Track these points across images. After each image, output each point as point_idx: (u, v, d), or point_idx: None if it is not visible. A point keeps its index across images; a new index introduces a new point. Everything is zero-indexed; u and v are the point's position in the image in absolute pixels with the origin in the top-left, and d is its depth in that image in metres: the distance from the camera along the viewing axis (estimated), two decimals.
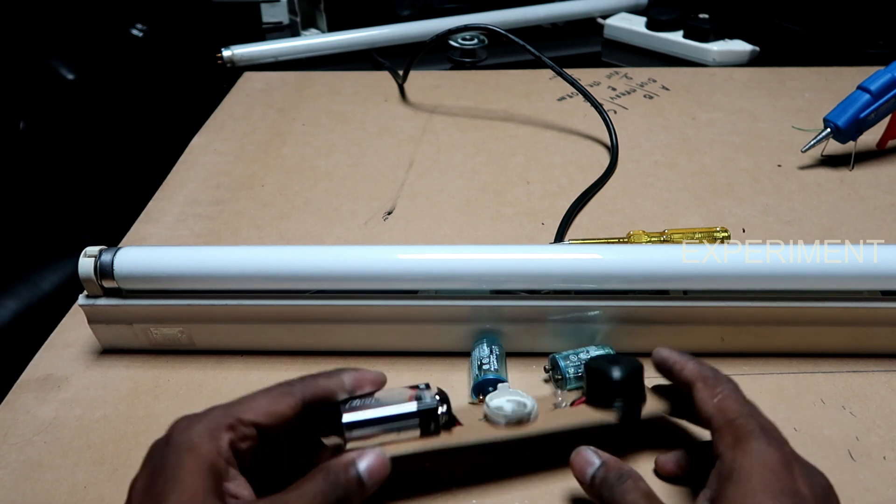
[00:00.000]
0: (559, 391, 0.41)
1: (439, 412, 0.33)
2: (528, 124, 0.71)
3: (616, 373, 0.35)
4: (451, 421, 0.34)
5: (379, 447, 0.32)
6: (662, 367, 0.37)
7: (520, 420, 0.35)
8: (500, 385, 0.39)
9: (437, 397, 0.34)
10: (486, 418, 0.35)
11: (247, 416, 0.31)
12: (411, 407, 0.33)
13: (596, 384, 0.36)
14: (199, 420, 0.31)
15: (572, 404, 0.36)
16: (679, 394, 0.36)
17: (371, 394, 0.34)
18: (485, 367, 0.41)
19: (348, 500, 0.30)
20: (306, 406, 0.33)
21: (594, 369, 0.36)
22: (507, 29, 0.70)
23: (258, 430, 0.31)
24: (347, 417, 0.33)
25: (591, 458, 0.34)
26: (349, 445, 0.33)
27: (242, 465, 0.31)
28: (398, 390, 0.34)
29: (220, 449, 0.30)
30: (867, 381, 0.42)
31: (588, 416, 0.36)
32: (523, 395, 0.36)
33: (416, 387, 0.35)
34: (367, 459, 0.31)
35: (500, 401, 0.35)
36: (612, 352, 0.42)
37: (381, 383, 0.35)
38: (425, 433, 0.33)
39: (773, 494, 0.28)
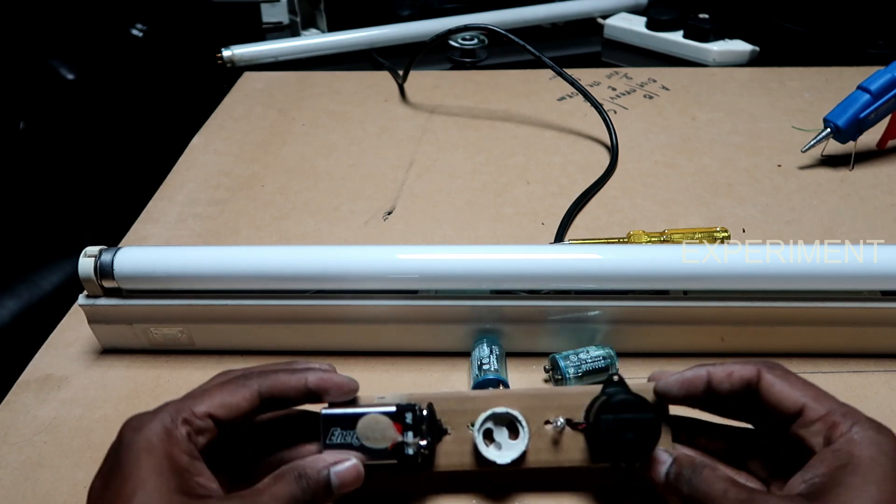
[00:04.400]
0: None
1: (419, 460, 0.33)
2: (528, 124, 0.71)
3: (631, 439, 0.32)
4: (438, 432, 0.34)
5: (355, 458, 0.32)
6: (692, 389, 0.33)
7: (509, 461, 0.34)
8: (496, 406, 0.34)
9: (420, 442, 0.33)
10: (475, 448, 0.34)
11: (200, 409, 0.30)
12: (392, 457, 0.32)
13: (607, 442, 0.32)
14: (153, 418, 0.30)
15: (569, 423, 0.34)
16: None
17: (353, 421, 0.33)
18: (485, 367, 0.41)
19: (316, 502, 0.30)
20: (264, 400, 0.32)
21: (611, 426, 0.32)
22: (507, 29, 0.70)
23: (215, 423, 0.30)
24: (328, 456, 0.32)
25: (660, 456, 0.32)
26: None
27: (204, 458, 0.30)
28: (384, 423, 0.33)
29: (179, 445, 0.29)
30: (867, 381, 0.42)
31: (582, 458, 0.34)
32: (517, 418, 0.34)
33: (401, 412, 0.33)
34: (341, 467, 0.31)
35: (491, 450, 0.34)
36: (612, 352, 0.42)
37: (350, 391, 0.33)
38: (401, 471, 0.33)
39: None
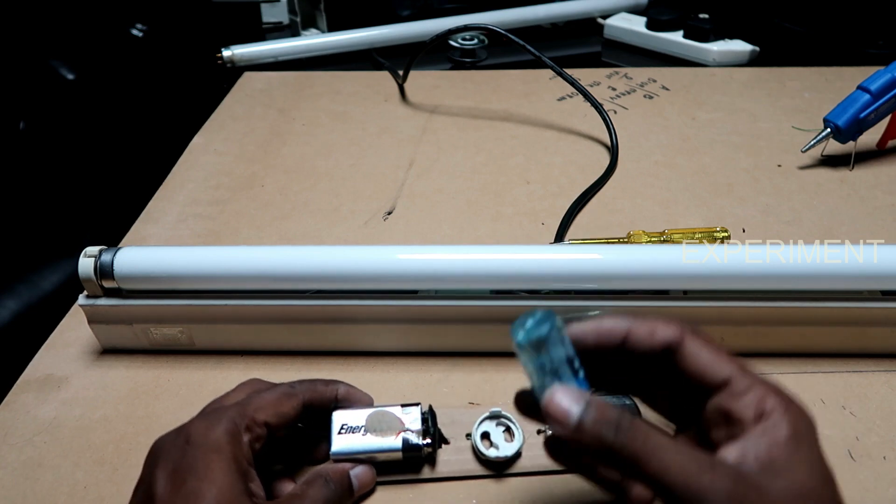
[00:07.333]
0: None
1: (423, 453, 0.36)
2: (528, 124, 0.71)
3: None
4: (438, 441, 0.37)
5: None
6: (606, 341, 0.29)
7: (506, 460, 0.37)
8: (491, 409, 0.39)
9: (424, 438, 0.36)
10: (472, 450, 0.37)
11: (260, 417, 0.32)
12: (396, 443, 0.35)
13: None
14: (220, 421, 0.31)
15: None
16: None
17: (362, 416, 0.36)
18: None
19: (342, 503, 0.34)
20: (305, 409, 0.35)
21: None
22: (507, 29, 0.70)
23: (268, 430, 0.33)
24: (336, 447, 0.35)
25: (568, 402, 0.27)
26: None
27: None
28: (390, 416, 0.36)
29: (243, 450, 0.31)
30: (867, 381, 0.42)
31: None
32: (512, 422, 0.37)
33: (406, 406, 0.37)
34: (358, 470, 0.35)
35: (490, 450, 0.37)
36: None
37: (367, 404, 0.38)
38: (407, 467, 0.36)
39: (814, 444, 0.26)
